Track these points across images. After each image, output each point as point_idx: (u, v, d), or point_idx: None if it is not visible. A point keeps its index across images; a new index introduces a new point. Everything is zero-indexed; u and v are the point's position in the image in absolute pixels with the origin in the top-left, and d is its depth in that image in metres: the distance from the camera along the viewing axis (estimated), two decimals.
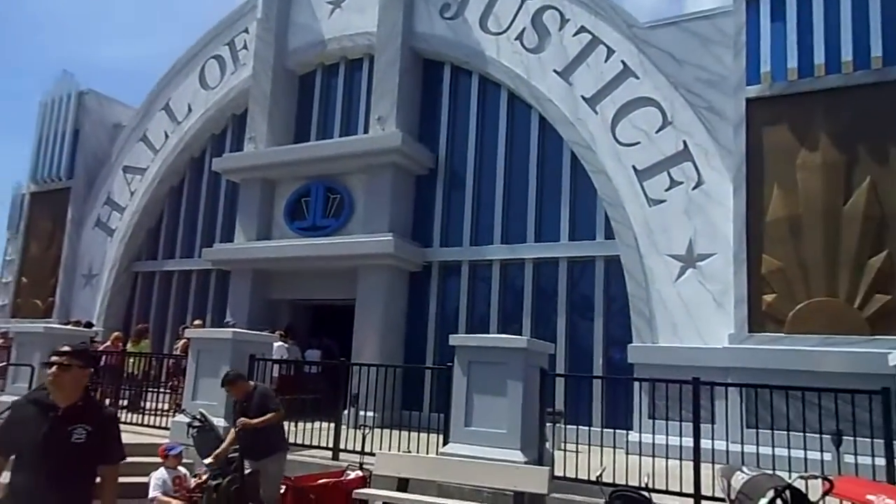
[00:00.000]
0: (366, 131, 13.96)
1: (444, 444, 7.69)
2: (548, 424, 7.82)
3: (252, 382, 7.35)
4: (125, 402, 11.41)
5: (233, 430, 6.79)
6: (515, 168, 12.85)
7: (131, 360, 11.87)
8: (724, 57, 10.83)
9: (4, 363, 12.18)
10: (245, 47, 16.61)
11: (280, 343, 11.75)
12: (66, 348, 3.32)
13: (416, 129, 13.75)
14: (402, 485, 7.14)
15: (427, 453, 7.79)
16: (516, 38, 12.81)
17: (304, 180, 14.33)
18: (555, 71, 12.31)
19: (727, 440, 7.69)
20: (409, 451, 7.89)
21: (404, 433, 8.49)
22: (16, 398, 3.17)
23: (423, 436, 8.26)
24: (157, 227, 18.05)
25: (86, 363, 3.34)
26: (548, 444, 7.79)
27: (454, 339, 7.90)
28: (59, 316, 17.66)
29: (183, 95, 17.75)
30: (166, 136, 17.88)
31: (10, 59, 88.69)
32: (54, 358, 3.23)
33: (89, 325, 15.20)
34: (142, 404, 11.29)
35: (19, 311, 19.21)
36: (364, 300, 12.77)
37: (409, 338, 13.02)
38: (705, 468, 6.64)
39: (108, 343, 13.27)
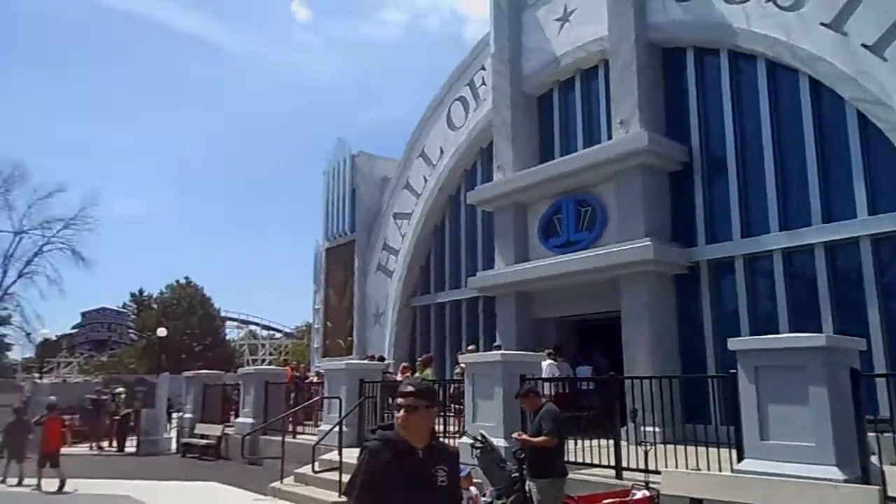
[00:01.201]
0: (609, 138, 13.52)
1: (739, 460, 6.81)
2: (871, 434, 6.47)
3: (543, 399, 7.40)
4: None
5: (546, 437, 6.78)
6: (786, 143, 11.29)
7: None
8: None
9: (319, 397, 14.00)
10: (483, 83, 17.40)
11: (549, 362, 11.71)
12: (410, 388, 2.97)
13: (662, 125, 12.92)
14: None
15: (720, 471, 6.97)
16: (767, 0, 11.38)
17: (554, 198, 14.31)
18: (822, 24, 10.62)
19: None
20: (699, 469, 7.15)
21: (690, 448, 7.73)
22: (371, 441, 2.95)
23: (713, 451, 7.42)
24: (427, 263, 19.54)
25: (431, 401, 3.00)
26: (874, 459, 6.44)
27: (733, 344, 7.01)
28: (358, 353, 19.97)
29: (435, 140, 19.16)
30: (425, 180, 19.40)
31: (302, 139, 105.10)
32: (400, 400, 2.93)
33: (382, 358, 16.87)
34: None
35: (328, 351, 22.20)
36: (629, 311, 12.18)
37: (683, 346, 12.06)
38: None
39: (400, 372, 14.57)
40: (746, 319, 11.33)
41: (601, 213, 13.29)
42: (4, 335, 39.56)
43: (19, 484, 12.51)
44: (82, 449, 18.89)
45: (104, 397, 20.66)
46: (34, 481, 12.14)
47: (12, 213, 35.74)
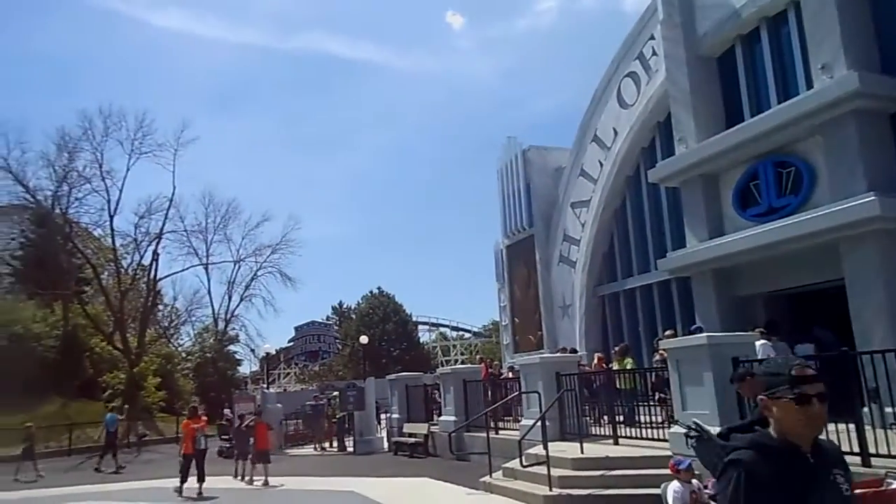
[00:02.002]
0: (808, 87, 12.03)
1: None
2: None
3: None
4: (621, 418, 11.85)
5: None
6: None
7: (618, 377, 12.33)
8: None
9: (517, 393, 14.04)
10: (654, 53, 16.45)
11: (763, 341, 10.66)
12: (811, 371, 2.21)
13: (875, 62, 11.21)
14: None
15: None
16: None
17: (747, 163, 13.07)
18: None
19: None
20: None
21: None
22: (740, 452, 2.13)
23: None
24: (611, 250, 18.90)
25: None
26: None
27: None
28: (549, 346, 19.84)
29: (607, 122, 18.48)
30: (600, 164, 18.79)
31: (474, 141, 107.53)
32: (805, 387, 2.14)
33: (574, 351, 16.57)
34: (636, 418, 11.56)
35: (518, 347, 22.31)
36: (856, 278, 10.72)
37: None
38: None
39: (595, 363, 14.22)
40: None
41: (807, 172, 11.87)
42: (235, 352, 45.06)
43: (244, 479, 14.14)
44: (307, 450, 20.80)
45: (321, 402, 22.58)
46: (261, 477, 13.76)
47: (230, 244, 40.59)
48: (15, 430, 19.13)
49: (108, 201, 32.25)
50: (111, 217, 32.49)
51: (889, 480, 6.26)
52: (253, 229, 40.65)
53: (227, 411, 24.57)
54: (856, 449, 7.24)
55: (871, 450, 7.15)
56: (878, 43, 11.36)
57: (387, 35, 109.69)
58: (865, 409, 7.77)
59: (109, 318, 32.82)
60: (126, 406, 21.20)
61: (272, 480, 13.70)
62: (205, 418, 14.36)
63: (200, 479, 12.55)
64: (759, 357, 9.69)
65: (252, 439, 14.49)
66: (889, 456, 6.82)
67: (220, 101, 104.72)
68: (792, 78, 12.87)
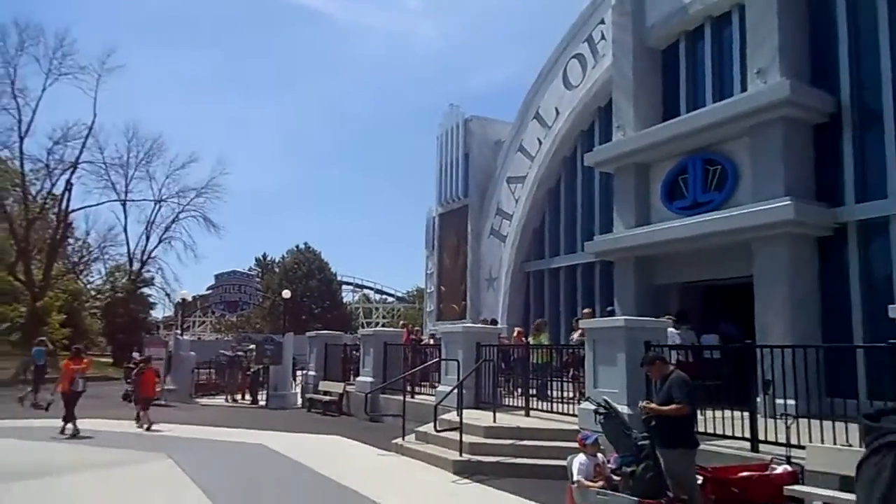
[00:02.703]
0: (743, 90, 12.50)
1: None
2: None
3: (671, 367, 7.12)
4: (533, 391, 12.21)
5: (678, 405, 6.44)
6: None
7: (534, 352, 12.67)
8: None
9: (437, 359, 14.22)
10: (603, 38, 16.63)
11: (671, 329, 11.19)
12: None
13: (806, 73, 11.76)
14: (848, 483, 5.97)
15: None
16: None
17: (679, 157, 13.52)
18: None
19: None
20: (850, 445, 6.58)
21: (839, 424, 7.14)
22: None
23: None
24: (541, 227, 19.25)
25: None
26: None
27: None
28: (472, 316, 20.14)
29: (550, 101, 18.63)
30: (539, 142, 18.98)
31: (414, 105, 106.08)
32: None
33: (494, 322, 16.89)
34: (549, 393, 11.94)
35: (442, 315, 22.55)
36: (763, 276, 11.36)
37: (826, 314, 11.12)
38: None
39: (514, 336, 14.55)
40: None
41: (732, 171, 12.40)
42: (149, 295, 43.50)
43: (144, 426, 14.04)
44: (218, 401, 20.44)
45: (238, 354, 22.17)
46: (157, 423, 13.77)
47: (153, 182, 38.86)
48: None
49: (20, 122, 30.23)
50: (21, 139, 30.48)
51: (774, 465, 6.80)
52: (178, 169, 39.08)
53: (136, 355, 23.77)
54: (747, 435, 7.76)
55: (761, 437, 7.64)
56: (811, 56, 11.90)
57: None
58: (759, 399, 8.30)
59: (12, 248, 30.89)
60: (39, 340, 20.10)
61: (164, 427, 13.68)
62: (87, 361, 14.25)
63: (66, 420, 12.49)
64: (669, 343, 10.19)
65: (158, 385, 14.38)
66: (776, 443, 7.31)
67: (154, 31, 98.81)
68: (728, 78, 13.32)
